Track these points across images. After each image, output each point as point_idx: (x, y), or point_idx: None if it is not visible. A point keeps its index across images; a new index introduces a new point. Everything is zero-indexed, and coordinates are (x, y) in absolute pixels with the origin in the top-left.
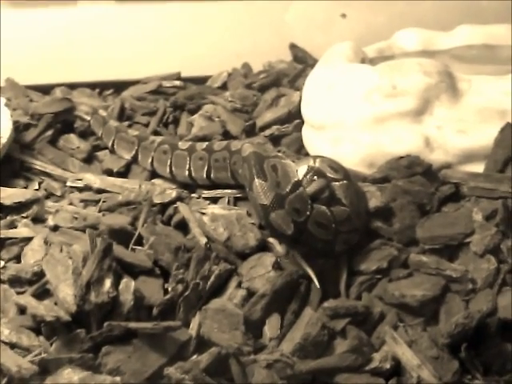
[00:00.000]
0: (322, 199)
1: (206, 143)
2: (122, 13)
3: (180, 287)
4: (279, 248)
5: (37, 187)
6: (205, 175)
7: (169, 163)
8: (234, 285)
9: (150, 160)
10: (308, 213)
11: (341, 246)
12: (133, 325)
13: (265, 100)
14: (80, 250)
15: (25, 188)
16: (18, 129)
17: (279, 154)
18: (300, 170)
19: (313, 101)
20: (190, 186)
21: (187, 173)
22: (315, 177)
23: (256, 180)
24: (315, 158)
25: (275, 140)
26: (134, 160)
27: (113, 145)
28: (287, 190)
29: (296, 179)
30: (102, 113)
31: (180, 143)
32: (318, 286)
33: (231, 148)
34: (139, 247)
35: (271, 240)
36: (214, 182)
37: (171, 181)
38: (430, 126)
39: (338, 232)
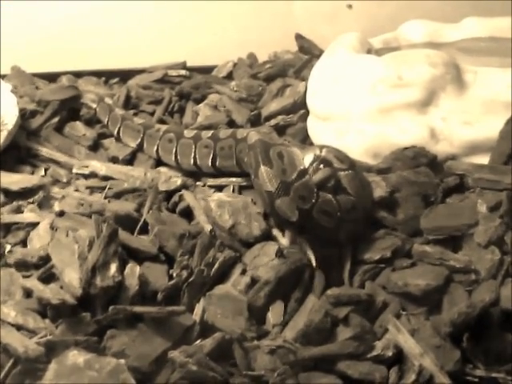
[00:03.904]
0: (328, 188)
1: (212, 131)
2: (128, 2)
3: (184, 273)
4: (283, 241)
5: (43, 174)
6: (210, 163)
7: (174, 151)
8: (238, 272)
9: (155, 148)
10: (313, 200)
11: (345, 234)
12: (138, 309)
13: (270, 90)
14: (86, 235)
15: (31, 174)
16: (25, 116)
17: (285, 142)
18: (306, 159)
19: (318, 91)
20: (195, 174)
21: (192, 161)
22: (321, 165)
23: (262, 167)
24: (321, 147)
25: (280, 130)
26: (140, 148)
27: (118, 133)
28: (293, 177)
29: (302, 167)
30: (108, 101)
31: (185, 131)
32: (315, 266)
33: (237, 136)
34: (144, 236)
35: (275, 232)
36: (219, 170)
37: (176, 169)
38: (435, 118)
39: (342, 221)
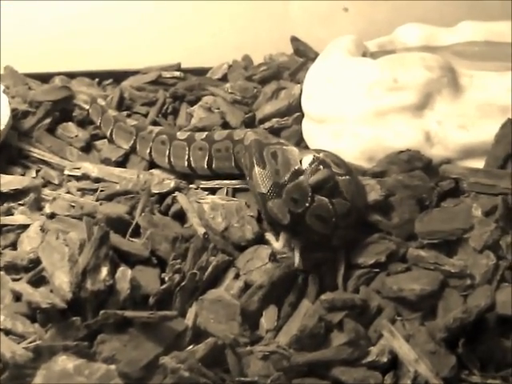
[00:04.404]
0: (326, 190)
1: (206, 133)
2: (123, 3)
3: (177, 277)
4: (276, 245)
5: (34, 175)
6: (205, 165)
7: (167, 154)
8: (232, 276)
9: (148, 150)
10: (307, 204)
11: (338, 240)
12: (129, 313)
13: (265, 92)
14: (76, 238)
15: (22, 175)
16: (17, 116)
17: (282, 141)
18: (305, 160)
19: (313, 94)
20: (188, 177)
21: (186, 163)
22: (321, 166)
23: (255, 168)
24: (318, 151)
25: (275, 132)
26: (133, 150)
27: (111, 134)
28: (285, 178)
29: (296, 167)
30: (101, 102)
31: (178, 133)
32: (296, 265)
33: (234, 137)
34: (136, 239)
35: (268, 236)
36: (216, 172)
37: (169, 171)
38: (430, 121)
39: (336, 227)
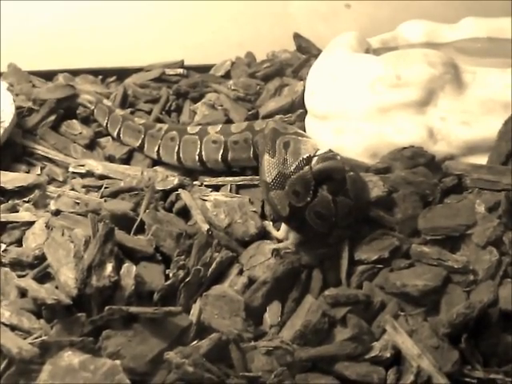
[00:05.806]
0: (333, 184)
1: (220, 126)
2: (126, 0)
3: (181, 273)
4: (276, 233)
5: (39, 172)
6: (220, 158)
7: (176, 149)
8: (236, 272)
9: (156, 148)
10: (309, 198)
11: (334, 239)
12: (133, 309)
13: (268, 89)
14: (82, 234)
15: (27, 173)
16: (21, 114)
17: (299, 131)
18: (319, 152)
19: (316, 91)
20: (192, 174)
21: (197, 157)
22: (338, 157)
23: (265, 155)
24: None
25: None
26: (141, 148)
27: (119, 133)
28: (291, 169)
29: (304, 156)
30: (107, 102)
31: (189, 128)
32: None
33: (255, 128)
34: (141, 236)
35: (268, 227)
36: (230, 165)
37: (173, 168)
38: (433, 117)
39: (335, 226)
